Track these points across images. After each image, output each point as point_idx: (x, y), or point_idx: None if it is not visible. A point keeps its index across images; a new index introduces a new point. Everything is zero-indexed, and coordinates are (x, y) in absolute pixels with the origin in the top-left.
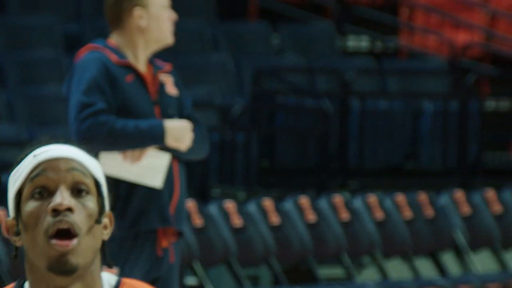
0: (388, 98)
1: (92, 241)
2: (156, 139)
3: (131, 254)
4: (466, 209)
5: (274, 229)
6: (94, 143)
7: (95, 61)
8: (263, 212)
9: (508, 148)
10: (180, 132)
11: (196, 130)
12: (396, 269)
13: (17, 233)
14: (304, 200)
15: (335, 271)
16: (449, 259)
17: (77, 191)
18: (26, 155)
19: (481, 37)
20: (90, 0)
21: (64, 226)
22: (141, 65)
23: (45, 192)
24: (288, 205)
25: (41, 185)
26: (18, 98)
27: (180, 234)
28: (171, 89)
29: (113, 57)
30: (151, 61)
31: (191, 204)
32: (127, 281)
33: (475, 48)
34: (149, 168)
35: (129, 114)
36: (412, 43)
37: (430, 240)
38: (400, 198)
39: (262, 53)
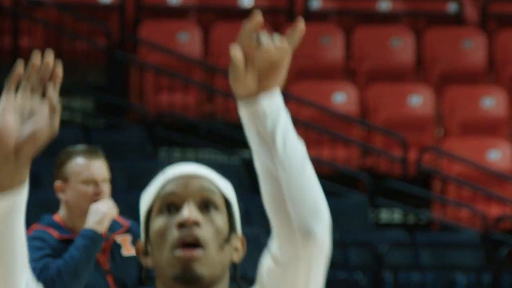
0: (421, 270)
1: (221, 257)
2: (94, 240)
3: None
4: None
5: None
6: None
7: (38, 239)
8: None
9: None
10: (98, 212)
11: None
12: None
13: (146, 253)
14: None
15: None
16: None
17: (205, 206)
18: (157, 176)
19: None
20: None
21: (190, 239)
22: None
23: (173, 209)
24: None
25: (170, 202)
26: None
27: None
28: (128, 250)
29: (55, 234)
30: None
31: None
32: None
33: (507, 220)
34: None
35: None
36: (444, 216)
37: None
38: None
39: None
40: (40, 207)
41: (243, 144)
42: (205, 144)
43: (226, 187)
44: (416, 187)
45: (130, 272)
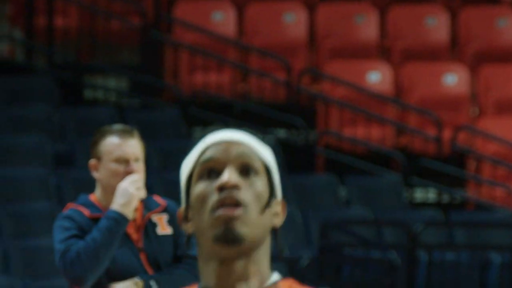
0: (455, 249)
1: (261, 220)
2: (118, 222)
3: None
4: None
5: None
6: (85, 271)
7: (68, 218)
8: None
9: None
10: (125, 194)
11: (188, 267)
12: None
13: (187, 219)
14: None
15: None
16: None
17: (245, 171)
18: (198, 143)
19: None
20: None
21: (229, 200)
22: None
23: (214, 174)
24: None
25: (210, 168)
26: (13, 250)
27: None
28: (164, 229)
29: (86, 212)
30: (145, 202)
31: None
32: (290, 280)
33: None
34: None
35: (108, 267)
36: (479, 195)
37: None
38: None
39: (329, 205)
40: (76, 186)
41: (277, 123)
42: (239, 124)
43: (266, 153)
44: (450, 166)
45: (165, 250)
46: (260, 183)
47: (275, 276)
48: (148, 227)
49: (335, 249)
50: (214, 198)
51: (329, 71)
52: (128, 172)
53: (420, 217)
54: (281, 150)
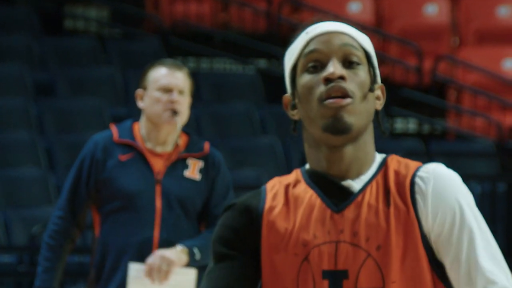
0: None
1: (366, 107)
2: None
3: None
4: None
5: None
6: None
7: (91, 142)
8: None
9: None
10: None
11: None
12: None
13: (294, 107)
14: None
15: None
16: None
17: (348, 62)
18: (299, 33)
19: None
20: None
21: (336, 91)
22: (161, 144)
23: (318, 65)
24: None
25: (314, 59)
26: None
27: None
28: (192, 173)
29: (116, 135)
30: (190, 142)
31: None
32: (395, 156)
33: None
34: (178, 286)
35: (113, 191)
36: (459, 125)
37: None
38: None
39: None
40: (57, 116)
41: (258, 53)
42: (220, 54)
43: (365, 40)
44: (431, 97)
45: (183, 193)
46: (362, 71)
47: (379, 155)
48: (178, 165)
49: None
50: (321, 89)
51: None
52: (170, 101)
53: (401, 147)
54: (261, 80)
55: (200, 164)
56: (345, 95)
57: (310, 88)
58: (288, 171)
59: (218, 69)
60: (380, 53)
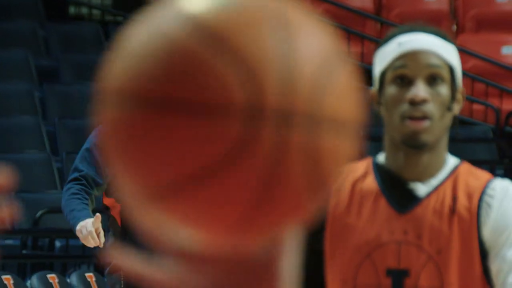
0: None
1: (442, 123)
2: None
3: None
4: None
5: None
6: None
7: (87, 152)
8: None
9: None
10: (83, 233)
11: None
12: None
13: (379, 104)
14: None
15: None
16: None
17: (433, 79)
18: (392, 36)
19: None
20: None
21: (418, 114)
22: None
23: (406, 80)
24: None
25: (402, 75)
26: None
27: None
28: None
29: None
30: None
31: None
32: (466, 164)
33: None
34: None
35: None
36: (457, 111)
37: None
38: None
39: None
40: (60, 101)
41: None
42: None
43: (452, 53)
44: None
45: None
46: (444, 90)
47: (453, 160)
48: None
49: None
50: (404, 107)
51: None
52: None
53: None
54: None
55: None
56: (425, 116)
57: (395, 102)
58: None
59: None
60: (379, 39)
